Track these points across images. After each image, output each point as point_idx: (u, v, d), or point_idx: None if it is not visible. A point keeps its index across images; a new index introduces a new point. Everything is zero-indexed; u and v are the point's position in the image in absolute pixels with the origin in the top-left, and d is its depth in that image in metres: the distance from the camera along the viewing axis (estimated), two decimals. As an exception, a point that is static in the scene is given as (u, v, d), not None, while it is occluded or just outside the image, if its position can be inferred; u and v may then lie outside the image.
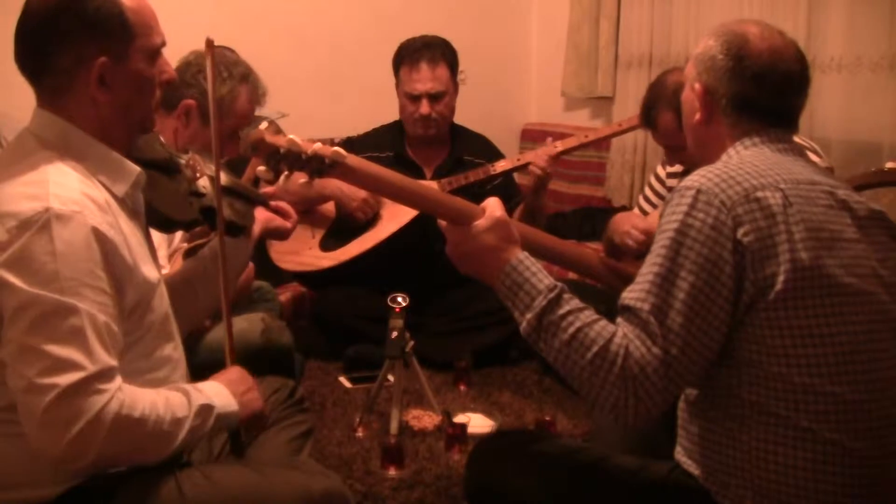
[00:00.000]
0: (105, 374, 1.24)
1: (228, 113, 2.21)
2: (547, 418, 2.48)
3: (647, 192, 2.72)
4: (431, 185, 3.03)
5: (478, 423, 2.46)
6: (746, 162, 1.39)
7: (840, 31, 3.32)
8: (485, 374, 2.92)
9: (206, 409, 1.38)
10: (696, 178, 1.35)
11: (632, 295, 1.33)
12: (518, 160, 3.04)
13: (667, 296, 1.30)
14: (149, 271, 1.41)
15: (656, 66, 4.03)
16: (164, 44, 1.44)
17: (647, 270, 1.33)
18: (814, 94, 3.39)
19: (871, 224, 1.41)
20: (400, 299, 2.36)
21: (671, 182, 2.63)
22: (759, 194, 1.32)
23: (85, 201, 1.29)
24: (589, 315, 1.36)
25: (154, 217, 1.53)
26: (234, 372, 1.52)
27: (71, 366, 1.21)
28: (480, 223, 1.46)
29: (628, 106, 4.14)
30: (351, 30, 4.18)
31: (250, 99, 2.28)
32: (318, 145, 1.37)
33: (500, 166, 3.02)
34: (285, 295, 3.12)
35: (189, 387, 1.41)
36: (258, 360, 1.93)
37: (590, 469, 1.49)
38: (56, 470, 1.31)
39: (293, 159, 1.37)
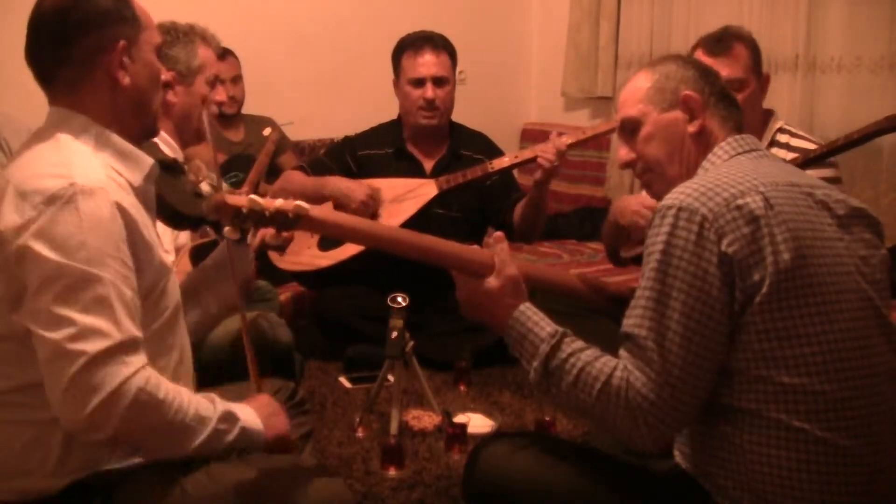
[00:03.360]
0: (130, 345, 1.27)
1: (200, 69, 2.20)
2: (547, 418, 2.48)
3: None
4: (426, 194, 3.02)
5: (478, 423, 2.45)
6: (723, 172, 1.39)
7: (840, 31, 3.32)
8: (485, 374, 2.91)
9: (231, 417, 1.39)
10: (676, 195, 1.35)
11: (630, 321, 1.35)
12: (516, 157, 3.04)
13: (661, 318, 1.30)
14: (163, 256, 1.44)
15: (656, 66, 4.03)
16: (161, 43, 1.49)
17: (640, 295, 1.34)
18: (814, 94, 3.42)
19: (853, 221, 1.41)
20: (400, 299, 2.36)
21: None
22: (741, 201, 1.32)
23: (107, 180, 1.32)
24: (591, 354, 1.38)
25: (164, 210, 1.56)
26: (262, 398, 1.54)
27: (98, 333, 1.23)
28: (494, 283, 1.50)
29: (628, 106, 4.14)
30: (351, 30, 4.18)
31: (207, 45, 2.24)
32: (279, 202, 1.37)
33: (499, 164, 3.02)
34: (285, 295, 3.12)
35: (214, 395, 1.42)
36: (258, 359, 1.93)
37: (590, 469, 1.49)
38: (63, 460, 1.32)
39: (257, 217, 1.36)
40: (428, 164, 3.16)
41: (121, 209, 1.31)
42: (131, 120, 1.44)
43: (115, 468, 1.37)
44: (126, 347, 1.26)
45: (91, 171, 1.31)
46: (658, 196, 1.50)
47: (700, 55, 2.39)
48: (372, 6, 4.25)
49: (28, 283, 1.26)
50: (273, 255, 3.06)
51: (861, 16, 3.27)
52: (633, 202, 2.36)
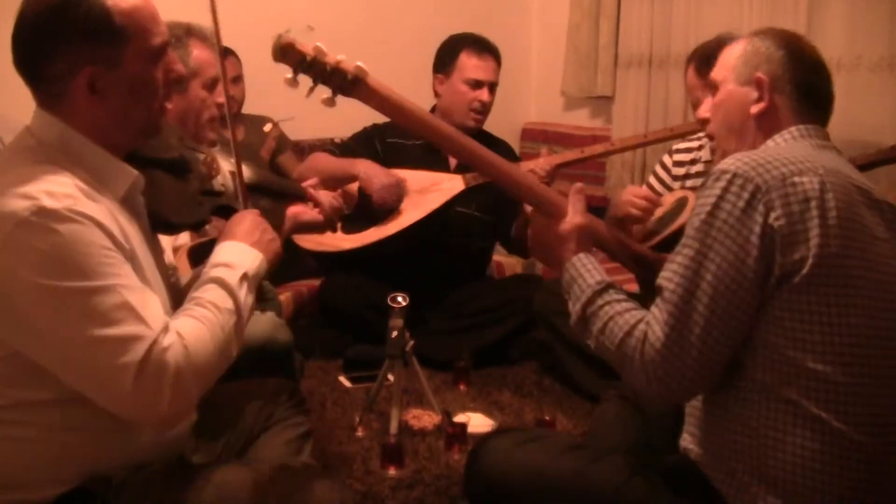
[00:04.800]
0: (163, 331, 1.27)
1: (196, 71, 2.14)
2: (546, 418, 2.48)
3: (652, 180, 2.73)
4: (452, 189, 3.02)
5: (477, 422, 2.46)
6: (785, 149, 1.41)
7: (840, 31, 3.31)
8: (484, 373, 2.92)
9: (241, 281, 1.42)
10: (732, 161, 1.36)
11: (664, 274, 1.37)
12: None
13: (694, 276, 1.32)
14: (151, 276, 1.40)
15: (656, 66, 4.03)
16: (165, 43, 1.41)
17: (679, 251, 1.36)
18: (813, 94, 3.41)
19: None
20: (400, 299, 2.36)
21: (677, 171, 2.64)
22: (797, 179, 1.33)
23: (76, 192, 1.29)
24: (625, 306, 1.43)
25: (155, 220, 1.52)
26: (245, 220, 1.52)
27: (134, 339, 1.23)
28: (566, 227, 1.56)
29: (628, 106, 4.14)
30: (351, 30, 4.17)
31: (204, 45, 2.17)
32: (342, 57, 1.39)
33: (534, 164, 3.01)
34: (285, 295, 3.12)
35: (218, 271, 1.41)
36: (258, 359, 1.93)
37: (591, 464, 1.50)
38: (57, 472, 1.32)
39: (318, 70, 1.38)
40: (453, 161, 3.18)
41: (94, 220, 1.27)
42: (115, 133, 1.39)
43: (113, 473, 1.36)
44: (161, 335, 1.26)
45: (60, 187, 1.27)
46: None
47: (691, 74, 2.39)
48: (372, 7, 4.24)
49: (23, 311, 1.23)
50: (295, 235, 3.05)
51: (861, 16, 3.26)
52: (624, 195, 2.37)
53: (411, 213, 3.00)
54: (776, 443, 1.32)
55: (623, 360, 1.38)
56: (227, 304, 1.37)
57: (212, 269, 1.42)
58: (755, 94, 1.50)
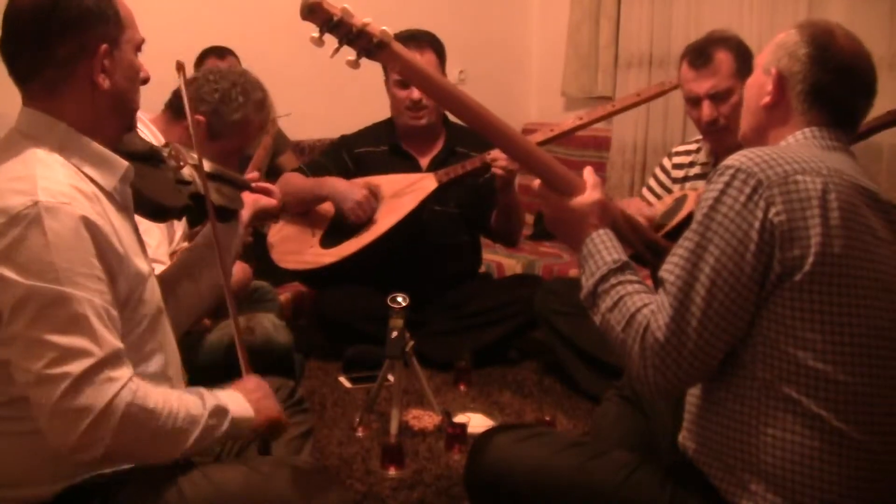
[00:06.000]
0: (114, 359, 1.25)
1: (238, 134, 2.25)
2: (547, 418, 2.48)
3: (652, 182, 2.73)
4: (425, 188, 3.01)
5: (478, 422, 2.45)
6: (792, 149, 1.41)
7: (840, 31, 3.31)
8: (485, 373, 2.92)
9: (220, 411, 1.39)
10: (738, 157, 1.37)
11: (666, 266, 1.38)
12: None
13: (693, 268, 1.33)
14: (140, 263, 1.41)
15: (656, 66, 4.04)
16: (143, 41, 1.46)
17: (681, 243, 1.37)
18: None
19: None
20: (400, 299, 2.36)
21: (676, 173, 2.64)
22: (799, 178, 1.33)
23: (73, 192, 1.29)
24: (637, 288, 1.42)
25: (146, 206, 1.53)
26: (250, 381, 1.53)
27: (80, 353, 1.22)
28: (584, 201, 1.54)
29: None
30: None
31: (260, 127, 2.31)
32: (368, 20, 1.38)
33: (497, 154, 3.00)
34: (285, 295, 3.12)
35: (203, 389, 1.42)
36: (258, 359, 1.93)
37: (591, 461, 1.50)
38: (55, 468, 1.31)
39: (345, 30, 1.37)
40: (424, 161, 3.16)
41: (87, 222, 1.28)
42: (110, 119, 1.41)
43: (112, 471, 1.36)
44: (110, 362, 1.24)
45: (55, 184, 1.28)
46: (730, 146, 1.52)
47: (685, 69, 2.41)
48: (372, 6, 4.23)
49: (1, 309, 1.24)
50: (277, 257, 3.06)
51: (861, 16, 3.26)
52: (631, 208, 2.38)
53: (387, 218, 2.99)
54: (775, 440, 1.32)
55: (625, 342, 1.38)
56: (194, 410, 1.35)
57: (203, 389, 1.42)
58: (769, 86, 1.51)
